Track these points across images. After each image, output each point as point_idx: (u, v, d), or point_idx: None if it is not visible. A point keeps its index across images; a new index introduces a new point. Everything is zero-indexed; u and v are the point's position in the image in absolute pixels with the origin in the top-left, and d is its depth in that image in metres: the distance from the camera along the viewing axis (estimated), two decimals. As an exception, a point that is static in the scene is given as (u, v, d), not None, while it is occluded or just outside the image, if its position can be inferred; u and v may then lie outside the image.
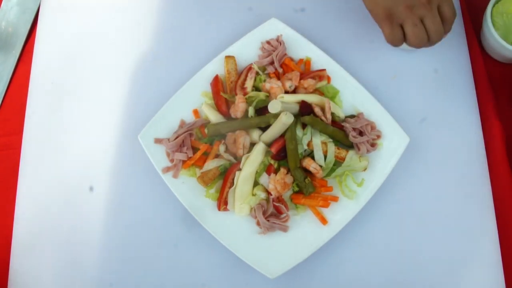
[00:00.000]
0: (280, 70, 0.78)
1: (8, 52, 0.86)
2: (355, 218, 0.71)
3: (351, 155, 0.74)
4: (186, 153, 0.74)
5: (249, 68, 0.78)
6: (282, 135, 0.73)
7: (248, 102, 0.76)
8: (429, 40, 0.69)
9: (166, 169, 0.74)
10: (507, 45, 0.75)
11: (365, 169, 0.74)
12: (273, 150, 0.72)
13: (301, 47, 0.80)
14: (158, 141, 0.75)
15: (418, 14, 0.67)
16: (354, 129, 0.74)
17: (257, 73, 0.78)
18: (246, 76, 0.78)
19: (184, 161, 0.75)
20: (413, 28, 0.67)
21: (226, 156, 0.74)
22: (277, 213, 0.73)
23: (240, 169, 0.72)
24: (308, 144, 0.73)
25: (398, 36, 0.69)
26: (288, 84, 0.76)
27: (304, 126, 0.74)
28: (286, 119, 0.70)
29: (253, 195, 0.73)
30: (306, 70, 0.79)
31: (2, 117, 0.83)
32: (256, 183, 0.73)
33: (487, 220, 0.74)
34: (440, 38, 0.70)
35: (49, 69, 0.85)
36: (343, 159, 0.74)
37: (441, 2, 0.69)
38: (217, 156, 0.75)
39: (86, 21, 0.88)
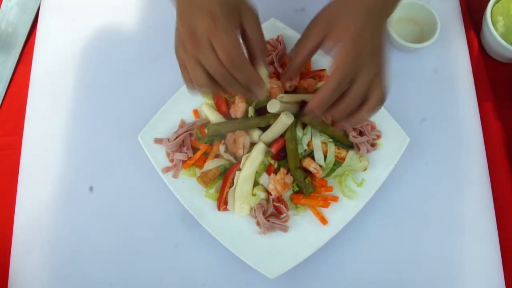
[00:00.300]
0: (280, 70, 0.78)
1: (8, 53, 0.86)
2: (355, 218, 0.71)
3: (351, 155, 0.73)
4: (186, 153, 0.74)
5: (249, 68, 0.78)
6: (282, 135, 0.72)
7: (248, 102, 0.76)
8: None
9: (166, 169, 0.74)
10: (507, 45, 0.75)
11: (365, 169, 0.74)
12: (273, 150, 0.72)
13: (301, 47, 0.80)
14: (158, 141, 0.75)
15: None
16: (354, 129, 0.74)
17: (257, 73, 0.78)
18: (246, 76, 0.78)
19: (184, 161, 0.74)
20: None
21: (226, 156, 0.74)
22: (277, 213, 0.73)
23: (240, 169, 0.72)
24: (308, 144, 0.73)
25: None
26: (288, 84, 0.76)
27: (304, 126, 0.74)
28: (286, 119, 0.70)
29: (253, 195, 0.73)
30: (306, 70, 0.79)
31: (2, 117, 0.83)
32: (256, 183, 0.73)
33: (487, 220, 0.74)
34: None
35: (49, 69, 0.85)
36: (343, 159, 0.73)
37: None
38: (217, 156, 0.75)
39: (86, 21, 0.88)
